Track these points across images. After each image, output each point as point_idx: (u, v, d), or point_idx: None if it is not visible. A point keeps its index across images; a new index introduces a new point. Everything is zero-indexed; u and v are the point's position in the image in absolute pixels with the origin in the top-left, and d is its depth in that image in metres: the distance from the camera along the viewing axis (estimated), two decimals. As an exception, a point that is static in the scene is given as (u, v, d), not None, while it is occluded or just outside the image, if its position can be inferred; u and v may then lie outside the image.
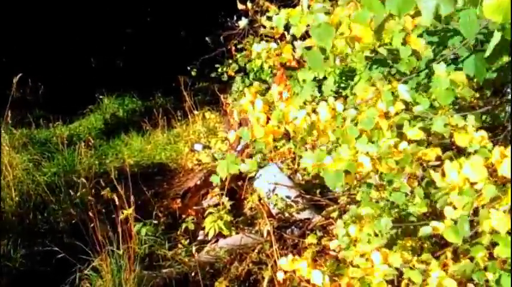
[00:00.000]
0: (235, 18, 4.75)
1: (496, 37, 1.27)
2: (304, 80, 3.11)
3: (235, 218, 3.69)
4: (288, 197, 3.67)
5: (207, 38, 5.86)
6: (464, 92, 1.60)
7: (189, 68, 5.83)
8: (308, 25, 1.60)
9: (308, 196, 3.66)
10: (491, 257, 1.69)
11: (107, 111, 7.10)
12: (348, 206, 2.93)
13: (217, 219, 3.54)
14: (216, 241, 3.51)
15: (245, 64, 4.85)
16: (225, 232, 3.49)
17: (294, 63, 3.00)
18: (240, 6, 3.77)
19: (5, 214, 3.79)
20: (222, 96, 5.79)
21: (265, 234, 3.35)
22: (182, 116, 6.13)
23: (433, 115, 1.62)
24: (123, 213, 2.99)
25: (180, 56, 6.97)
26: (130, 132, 6.11)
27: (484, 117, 2.17)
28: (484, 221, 1.46)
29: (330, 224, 3.31)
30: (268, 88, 2.14)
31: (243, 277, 3.17)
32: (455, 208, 1.49)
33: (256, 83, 2.25)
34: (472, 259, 1.74)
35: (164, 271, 3.20)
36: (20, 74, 4.22)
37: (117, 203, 3.01)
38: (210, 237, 3.52)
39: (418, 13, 1.45)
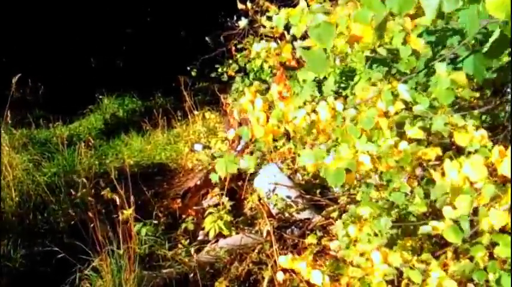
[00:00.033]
0: (235, 18, 4.75)
1: (496, 33, 1.27)
2: (304, 80, 3.11)
3: (235, 218, 3.69)
4: (288, 197, 3.67)
5: (207, 38, 5.85)
6: (464, 93, 1.60)
7: (189, 68, 5.83)
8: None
9: (308, 196, 3.66)
10: (491, 257, 1.69)
11: (107, 112, 7.10)
12: (348, 206, 2.93)
13: (217, 219, 3.54)
14: (216, 241, 3.51)
15: (245, 64, 4.85)
16: (225, 232, 3.49)
17: (293, 63, 3.00)
18: (240, 6, 3.77)
19: (5, 214, 3.79)
20: (222, 96, 5.79)
21: (265, 234, 3.35)
22: (182, 116, 6.13)
23: (433, 115, 1.62)
24: (123, 213, 2.99)
25: (180, 56, 6.97)
26: (130, 133, 6.11)
27: (484, 117, 2.17)
28: (483, 220, 1.46)
29: (330, 224, 3.31)
30: (268, 88, 2.13)
31: (243, 277, 3.17)
32: (454, 207, 1.49)
33: (256, 83, 2.25)
34: (472, 258, 1.74)
35: (164, 271, 3.20)
36: (19, 74, 4.22)
37: (117, 203, 3.01)
38: (210, 237, 3.52)
39: (417, 14, 1.45)
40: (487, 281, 1.70)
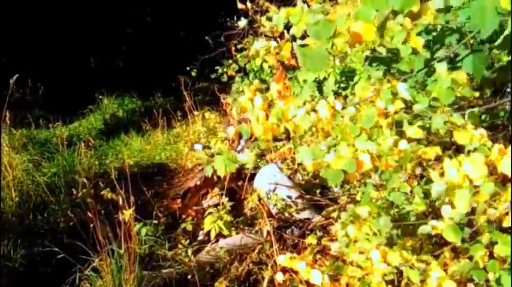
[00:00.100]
0: (235, 18, 4.75)
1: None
2: (304, 81, 3.11)
3: (235, 218, 3.69)
4: (288, 197, 3.67)
5: (207, 38, 5.86)
6: (464, 91, 1.60)
7: (189, 68, 5.83)
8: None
9: (308, 196, 3.66)
10: (491, 256, 1.69)
11: (106, 112, 7.11)
12: (347, 205, 2.93)
13: (217, 219, 3.53)
14: (216, 241, 3.51)
15: (245, 64, 4.85)
16: (225, 232, 3.49)
17: (293, 62, 3.00)
18: (240, 6, 3.77)
19: (5, 214, 3.79)
20: (222, 96, 5.79)
21: (265, 234, 3.35)
22: (182, 116, 6.14)
23: (433, 114, 1.61)
24: (123, 213, 2.99)
25: (180, 56, 6.96)
26: (130, 133, 6.11)
27: (483, 116, 2.17)
28: (480, 217, 1.46)
29: (330, 224, 3.31)
30: (268, 88, 2.13)
31: (243, 277, 3.17)
32: (454, 207, 1.49)
33: (256, 81, 2.25)
34: (471, 258, 1.74)
35: (164, 271, 3.20)
36: (17, 75, 4.21)
37: (117, 203, 3.01)
38: (211, 237, 3.52)
39: (418, 14, 1.45)
40: (487, 280, 1.69)
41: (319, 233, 3.28)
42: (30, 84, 6.86)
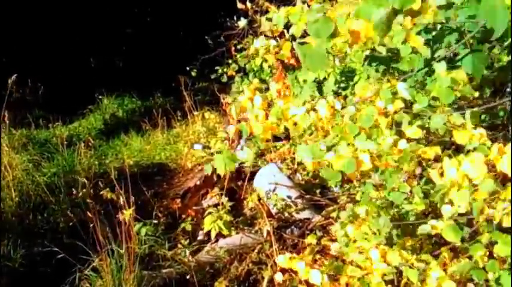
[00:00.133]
0: (235, 18, 4.75)
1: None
2: (304, 81, 3.11)
3: (235, 218, 3.69)
4: (288, 197, 3.67)
5: (207, 38, 5.85)
6: (465, 89, 1.59)
7: (189, 68, 5.82)
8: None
9: (308, 196, 3.66)
10: (491, 256, 1.69)
11: (106, 112, 7.10)
12: (347, 205, 2.93)
13: (217, 219, 3.53)
14: (216, 241, 3.51)
15: (245, 64, 4.85)
16: (225, 232, 3.49)
17: (293, 61, 3.00)
18: (240, 6, 3.77)
19: (5, 214, 3.80)
20: (221, 96, 5.79)
21: (265, 234, 3.35)
22: (182, 116, 6.13)
23: (432, 113, 1.61)
24: (123, 213, 2.99)
25: (180, 56, 6.96)
26: (130, 133, 6.11)
27: (483, 116, 2.18)
28: (479, 215, 1.45)
29: (330, 224, 3.31)
30: (268, 88, 2.13)
31: (243, 277, 3.17)
32: (453, 205, 1.49)
33: (255, 80, 2.24)
34: (471, 257, 1.74)
35: (164, 271, 3.20)
36: (15, 75, 4.21)
37: (120, 202, 3.01)
38: (212, 237, 3.52)
39: (418, 12, 1.44)
40: (487, 280, 1.69)
41: (319, 233, 3.28)
42: (30, 84, 6.86)
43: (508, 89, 2.19)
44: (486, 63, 1.62)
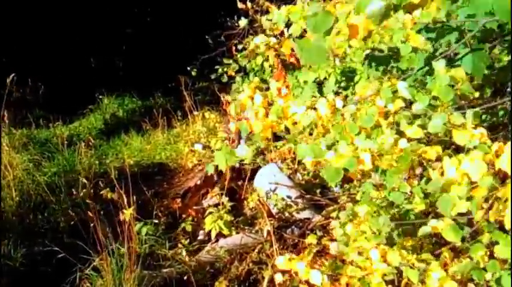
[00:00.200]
0: (235, 18, 4.75)
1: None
2: (305, 81, 3.11)
3: (236, 218, 3.69)
4: (288, 197, 3.67)
5: (207, 37, 5.85)
6: (464, 87, 1.59)
7: (189, 68, 5.82)
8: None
9: (308, 196, 3.66)
10: (491, 256, 1.68)
11: (106, 111, 7.10)
12: (347, 205, 2.93)
13: (217, 219, 3.54)
14: (216, 241, 3.51)
15: (245, 64, 4.84)
16: (225, 231, 3.49)
17: (293, 59, 3.00)
18: (240, 6, 3.78)
19: (6, 214, 3.80)
20: (222, 96, 5.79)
21: (265, 234, 3.35)
22: (182, 116, 6.13)
23: (433, 113, 1.61)
24: (123, 213, 2.99)
25: (180, 56, 6.95)
26: (130, 132, 6.11)
27: (483, 116, 2.17)
28: (478, 213, 1.45)
29: (330, 224, 3.31)
30: (268, 88, 2.13)
31: (243, 277, 3.17)
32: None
33: (256, 79, 2.24)
34: (472, 257, 1.73)
35: (164, 270, 3.20)
36: (13, 74, 4.20)
37: (120, 202, 3.01)
38: (212, 237, 3.52)
39: (418, 5, 1.43)
40: (488, 280, 1.69)
41: (319, 233, 3.28)
42: (31, 84, 6.86)
43: (508, 89, 2.19)
44: (487, 63, 1.62)
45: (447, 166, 1.44)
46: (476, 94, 2.02)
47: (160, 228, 3.63)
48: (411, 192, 2.06)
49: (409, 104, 1.72)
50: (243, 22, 4.03)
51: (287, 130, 1.87)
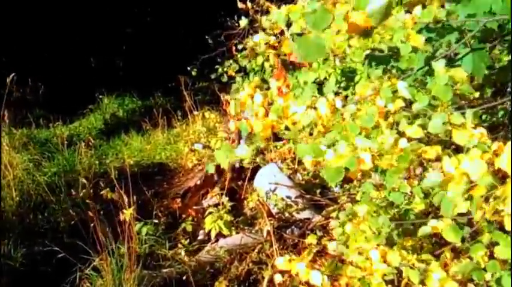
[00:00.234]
0: (235, 17, 4.74)
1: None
2: (305, 82, 3.11)
3: (236, 218, 3.69)
4: (288, 197, 3.67)
5: (207, 37, 5.85)
6: (464, 87, 1.58)
7: (189, 68, 5.82)
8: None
9: (308, 196, 3.66)
10: (491, 256, 1.68)
11: (106, 111, 7.10)
12: (347, 205, 2.93)
13: (217, 219, 3.54)
14: (216, 241, 3.51)
15: (245, 64, 4.84)
16: (225, 231, 3.49)
17: (293, 58, 2.99)
18: (240, 6, 3.78)
19: (6, 214, 3.80)
20: (222, 96, 5.78)
21: (265, 234, 3.35)
22: (182, 116, 6.13)
23: (432, 113, 1.61)
24: (123, 213, 2.99)
25: (180, 56, 6.95)
26: (130, 132, 6.11)
27: (483, 116, 2.17)
28: (477, 212, 1.45)
29: (330, 224, 3.31)
30: (269, 88, 2.13)
31: (243, 277, 3.17)
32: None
33: (256, 78, 2.24)
34: (472, 257, 1.73)
35: (164, 270, 3.20)
36: (13, 74, 4.20)
37: (120, 202, 3.01)
38: (212, 237, 3.52)
39: (419, 1, 1.43)
40: (488, 281, 1.69)
41: (319, 233, 3.28)
42: (31, 84, 6.86)
43: (509, 89, 2.19)
44: (487, 63, 1.62)
45: (447, 165, 1.43)
46: (476, 94, 2.02)
47: (160, 228, 3.63)
48: (411, 192, 2.06)
49: (409, 104, 1.71)
50: (243, 22, 4.03)
51: (287, 130, 1.87)
